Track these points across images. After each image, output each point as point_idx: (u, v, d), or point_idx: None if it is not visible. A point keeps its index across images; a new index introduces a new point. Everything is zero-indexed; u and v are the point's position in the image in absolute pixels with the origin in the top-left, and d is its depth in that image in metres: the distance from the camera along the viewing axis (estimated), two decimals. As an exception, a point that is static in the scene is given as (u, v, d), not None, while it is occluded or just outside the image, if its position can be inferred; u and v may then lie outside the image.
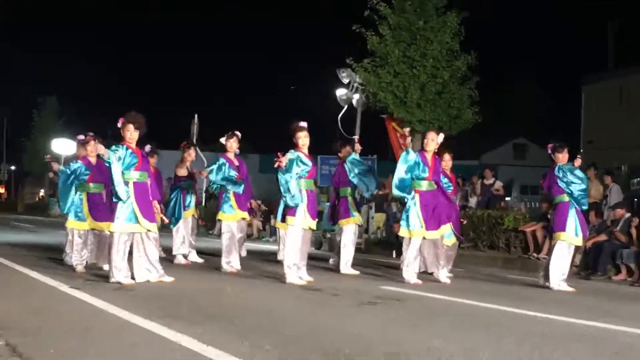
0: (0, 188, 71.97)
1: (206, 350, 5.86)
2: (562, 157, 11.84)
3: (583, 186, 11.77)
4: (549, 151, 12.06)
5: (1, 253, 14.90)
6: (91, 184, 12.36)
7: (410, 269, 11.68)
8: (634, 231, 14.19)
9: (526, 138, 58.48)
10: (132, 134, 10.58)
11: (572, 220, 11.66)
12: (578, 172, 11.74)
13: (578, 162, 11.83)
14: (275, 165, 10.91)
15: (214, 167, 12.89)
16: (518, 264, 16.20)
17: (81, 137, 13.50)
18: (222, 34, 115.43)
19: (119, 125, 10.67)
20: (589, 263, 14.68)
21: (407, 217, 11.75)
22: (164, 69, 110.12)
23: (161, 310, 8.00)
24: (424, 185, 11.77)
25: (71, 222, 12.41)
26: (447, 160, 13.26)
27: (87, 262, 12.29)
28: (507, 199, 20.45)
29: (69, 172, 12.41)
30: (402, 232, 11.83)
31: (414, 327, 7.48)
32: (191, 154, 14.52)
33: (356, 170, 13.17)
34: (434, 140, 11.88)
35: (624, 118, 33.80)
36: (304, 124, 11.46)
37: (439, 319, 8.15)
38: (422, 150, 12.04)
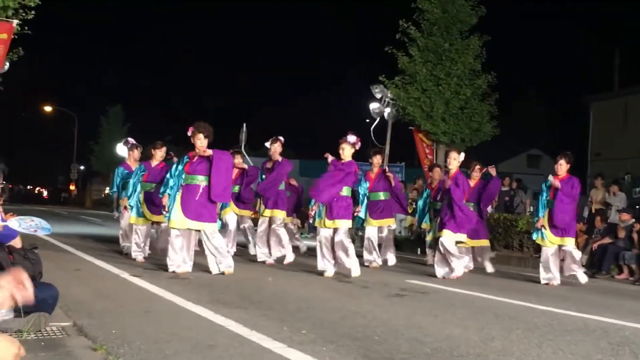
0: (71, 185, 72.56)
1: (250, 334, 5.89)
2: (557, 167, 11.69)
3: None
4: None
5: (72, 243, 15.07)
6: (146, 184, 12.37)
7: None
8: (635, 236, 14.07)
9: (540, 149, 58.08)
10: (202, 141, 10.48)
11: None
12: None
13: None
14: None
15: None
16: (530, 262, 16.07)
17: (132, 141, 13.59)
18: (270, 48, 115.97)
19: (189, 133, 10.61)
20: (594, 263, 14.55)
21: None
22: (216, 82, 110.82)
23: (210, 297, 8.05)
24: None
25: (132, 219, 12.44)
26: (477, 170, 13.28)
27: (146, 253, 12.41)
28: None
29: (132, 179, 12.57)
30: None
31: (435, 317, 7.45)
32: (239, 160, 14.09)
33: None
34: (455, 159, 11.83)
35: (628, 132, 33.55)
36: (350, 138, 11.31)
37: (458, 310, 8.12)
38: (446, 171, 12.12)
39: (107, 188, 66.98)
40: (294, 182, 14.68)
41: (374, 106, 23.15)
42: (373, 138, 23.07)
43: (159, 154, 12.66)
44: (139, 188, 12.42)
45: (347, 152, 11.21)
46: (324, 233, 11.21)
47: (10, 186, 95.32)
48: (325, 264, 11.22)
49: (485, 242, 13.44)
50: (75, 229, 22.25)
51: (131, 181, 12.57)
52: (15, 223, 5.73)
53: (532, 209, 20.79)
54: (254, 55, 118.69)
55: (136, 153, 13.49)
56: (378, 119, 23.15)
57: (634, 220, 14.58)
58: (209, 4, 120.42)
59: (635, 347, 6.12)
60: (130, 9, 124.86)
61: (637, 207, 19.02)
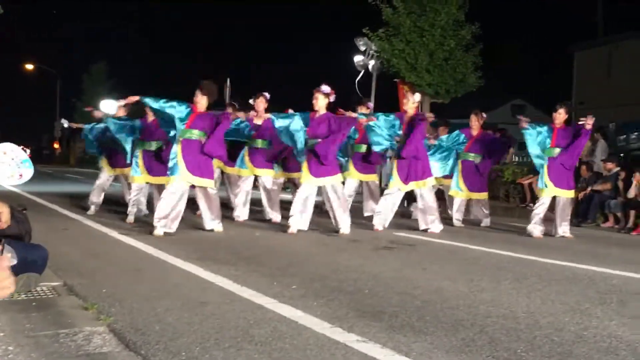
0: (55, 143, 72.19)
1: (241, 290, 5.90)
2: (556, 115, 11.58)
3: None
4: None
5: (59, 202, 15.06)
6: (144, 142, 11.90)
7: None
8: (621, 183, 14.14)
9: (523, 99, 58.10)
10: (198, 98, 10.24)
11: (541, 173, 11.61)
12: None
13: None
14: None
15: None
16: (516, 213, 16.17)
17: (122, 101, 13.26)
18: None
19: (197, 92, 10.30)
20: (580, 212, 14.63)
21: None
22: (200, 36, 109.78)
23: (199, 254, 8.06)
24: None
25: (130, 177, 12.07)
26: (475, 120, 13.19)
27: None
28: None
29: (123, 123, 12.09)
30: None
31: (424, 270, 7.49)
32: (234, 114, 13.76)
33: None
34: (413, 102, 11.73)
35: (612, 81, 33.58)
36: (324, 88, 10.92)
37: (447, 262, 8.16)
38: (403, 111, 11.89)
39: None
40: None
41: (358, 59, 23.08)
42: (358, 91, 23.01)
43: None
44: (136, 145, 11.98)
45: (321, 102, 10.87)
46: (309, 188, 10.95)
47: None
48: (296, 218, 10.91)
49: (484, 195, 13.40)
50: (61, 188, 22.18)
51: (126, 138, 12.09)
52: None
53: (516, 159, 20.86)
54: (239, 9, 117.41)
55: (121, 111, 13.09)
56: (362, 72, 23.08)
57: (618, 168, 14.63)
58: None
59: (622, 295, 6.17)
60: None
61: (622, 155, 19.11)
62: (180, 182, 10.12)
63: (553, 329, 4.83)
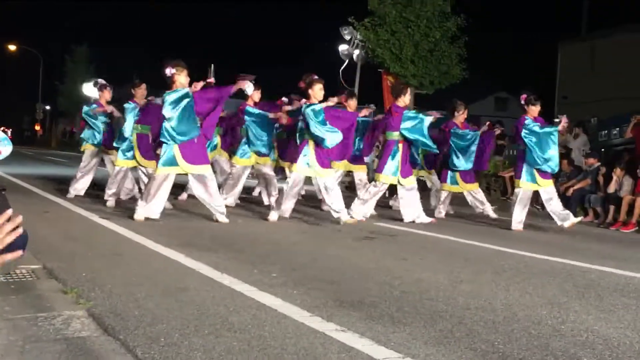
0: (36, 125, 71.85)
1: (221, 277, 5.91)
2: (535, 109, 11.65)
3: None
4: (522, 102, 11.80)
5: (39, 185, 14.97)
6: (139, 125, 11.69)
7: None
8: (601, 178, 14.21)
9: (507, 92, 58.26)
10: (186, 78, 9.92)
11: (525, 168, 11.56)
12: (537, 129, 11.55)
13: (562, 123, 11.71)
14: None
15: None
16: (497, 205, 16.22)
17: (101, 81, 13.15)
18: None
19: (173, 71, 9.83)
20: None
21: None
22: (185, 22, 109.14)
23: (180, 240, 8.04)
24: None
25: (119, 161, 11.79)
26: (462, 113, 13.15)
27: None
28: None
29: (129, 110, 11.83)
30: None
31: (405, 260, 7.52)
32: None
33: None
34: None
35: (596, 75, 33.72)
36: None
37: (427, 254, 8.20)
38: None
39: (73, 128, 66.09)
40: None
41: (342, 48, 23.08)
42: (342, 80, 23.02)
43: (140, 92, 11.96)
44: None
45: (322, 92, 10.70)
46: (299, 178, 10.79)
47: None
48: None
49: (476, 186, 13.43)
50: (42, 170, 22.07)
51: (128, 122, 11.71)
52: None
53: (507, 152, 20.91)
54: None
55: (107, 94, 12.96)
56: (347, 61, 23.09)
57: (599, 164, 14.71)
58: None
59: (600, 290, 6.22)
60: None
61: (603, 150, 19.22)
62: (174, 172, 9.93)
63: (531, 322, 4.87)
